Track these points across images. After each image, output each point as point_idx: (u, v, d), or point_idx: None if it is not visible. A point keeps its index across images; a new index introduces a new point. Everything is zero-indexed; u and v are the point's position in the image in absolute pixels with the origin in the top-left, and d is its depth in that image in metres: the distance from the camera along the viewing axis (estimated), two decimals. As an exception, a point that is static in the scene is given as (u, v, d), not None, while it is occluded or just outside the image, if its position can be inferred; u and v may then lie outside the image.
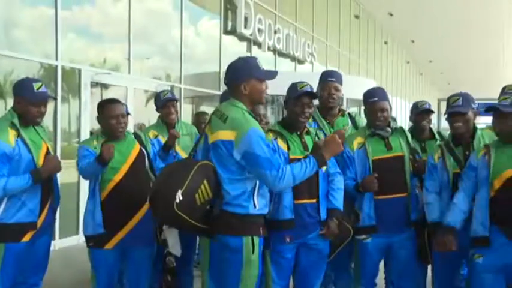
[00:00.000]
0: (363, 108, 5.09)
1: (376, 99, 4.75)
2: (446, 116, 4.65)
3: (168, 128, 5.92)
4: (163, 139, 5.63)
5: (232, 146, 3.68)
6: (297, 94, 4.33)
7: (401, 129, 4.93)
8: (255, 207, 3.75)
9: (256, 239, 3.75)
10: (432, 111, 5.50)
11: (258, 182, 3.78)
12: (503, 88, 4.82)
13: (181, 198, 3.58)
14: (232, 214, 3.73)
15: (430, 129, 5.53)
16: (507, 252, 4.00)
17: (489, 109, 4.13)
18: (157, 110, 6.10)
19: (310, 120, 5.09)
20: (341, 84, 5.36)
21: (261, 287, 4.58)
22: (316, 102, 5.23)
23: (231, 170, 3.72)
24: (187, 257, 5.36)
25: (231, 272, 3.78)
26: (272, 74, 4.04)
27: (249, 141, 3.61)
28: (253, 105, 4.06)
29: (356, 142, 4.78)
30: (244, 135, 3.63)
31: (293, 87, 4.41)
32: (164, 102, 5.99)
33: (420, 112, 5.39)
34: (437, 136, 5.45)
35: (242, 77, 3.86)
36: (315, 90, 4.93)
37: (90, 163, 4.35)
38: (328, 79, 5.32)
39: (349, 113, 5.56)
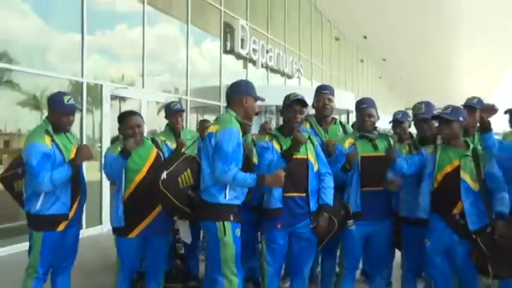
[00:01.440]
0: (344, 116, 5.19)
1: (365, 105, 4.82)
2: (413, 122, 4.82)
3: (174, 135, 5.99)
4: (170, 143, 5.62)
5: (212, 136, 3.95)
6: (289, 102, 4.42)
7: (386, 135, 4.98)
8: (225, 197, 3.89)
9: (227, 224, 3.87)
10: (402, 121, 5.56)
11: None
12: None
13: (165, 177, 3.90)
14: (206, 202, 3.92)
15: (410, 133, 5.59)
16: (446, 236, 4.13)
17: (434, 117, 4.32)
18: (166, 117, 6.16)
19: (308, 127, 5.24)
20: (333, 95, 5.40)
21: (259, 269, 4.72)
22: (312, 111, 5.42)
23: (209, 159, 3.91)
24: (194, 244, 5.45)
25: (213, 251, 3.92)
26: (262, 98, 4.31)
27: (222, 136, 3.88)
28: (246, 117, 4.25)
29: (348, 142, 4.80)
30: (222, 130, 3.91)
31: (287, 97, 4.50)
32: (173, 112, 6.07)
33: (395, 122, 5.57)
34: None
35: (244, 93, 4.21)
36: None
37: (115, 158, 4.38)
38: (323, 92, 5.37)
39: (340, 121, 5.57)
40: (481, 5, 21.76)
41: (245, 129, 4.42)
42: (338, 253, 5.04)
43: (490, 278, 4.15)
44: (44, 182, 4.06)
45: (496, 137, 4.83)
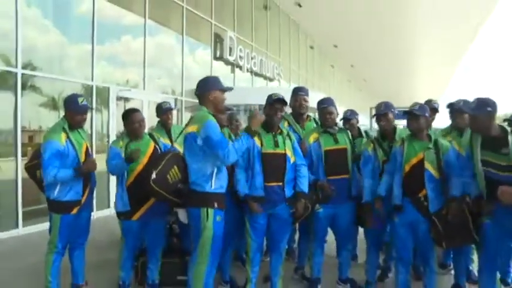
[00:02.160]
0: (317, 113, 5.19)
1: (325, 105, 4.86)
2: (374, 117, 4.85)
3: (165, 131, 5.95)
4: (162, 139, 5.34)
5: (196, 136, 3.78)
6: (271, 100, 4.44)
7: (345, 130, 5.04)
8: (211, 187, 3.81)
9: (210, 211, 3.80)
10: (350, 118, 5.51)
11: (215, 169, 3.86)
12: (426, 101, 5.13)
13: (155, 176, 3.83)
14: (194, 191, 3.83)
15: (358, 128, 5.62)
16: (413, 214, 4.19)
17: (405, 113, 4.31)
18: (157, 116, 6.10)
19: (286, 125, 5.22)
20: (308, 96, 5.38)
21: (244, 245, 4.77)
22: (290, 110, 5.41)
23: (196, 156, 3.82)
24: (189, 225, 5.52)
25: (194, 233, 3.88)
26: (230, 88, 4.16)
27: (206, 129, 3.73)
28: (217, 111, 4.08)
29: (312, 137, 4.83)
30: (203, 125, 3.75)
31: (269, 96, 4.50)
32: (164, 111, 6.03)
33: (344, 120, 5.49)
34: (364, 134, 5.55)
35: (210, 88, 4.01)
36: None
37: (120, 164, 4.41)
38: (299, 93, 5.36)
39: (314, 118, 5.56)
40: (433, 19, 21.92)
41: (220, 123, 4.43)
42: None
43: (443, 248, 4.33)
44: (49, 175, 4.14)
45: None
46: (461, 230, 4.00)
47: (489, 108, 3.78)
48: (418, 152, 4.24)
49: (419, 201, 4.19)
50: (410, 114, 4.29)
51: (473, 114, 3.83)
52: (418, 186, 4.19)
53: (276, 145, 4.40)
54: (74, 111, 4.40)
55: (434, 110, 5.52)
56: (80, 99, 4.41)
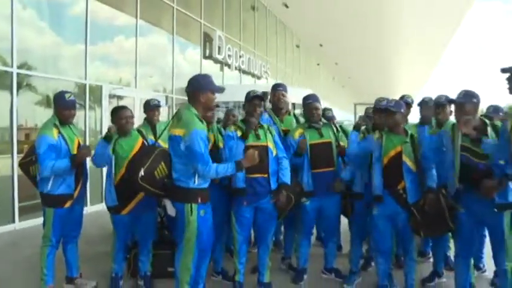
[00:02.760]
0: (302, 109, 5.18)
1: (311, 101, 4.87)
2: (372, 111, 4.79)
3: (151, 127, 5.88)
4: (148, 135, 5.34)
5: (181, 140, 3.67)
6: (250, 97, 4.47)
7: (329, 124, 5.05)
8: (194, 183, 3.73)
9: (194, 206, 3.72)
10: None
11: None
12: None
13: (143, 173, 3.76)
14: (178, 187, 3.76)
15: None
16: (392, 206, 4.21)
17: (382, 110, 4.36)
18: (144, 112, 6.04)
19: (267, 117, 5.24)
20: (286, 91, 5.38)
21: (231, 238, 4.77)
22: (270, 105, 5.44)
23: (180, 156, 3.72)
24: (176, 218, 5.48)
25: (179, 226, 3.83)
26: (222, 90, 3.97)
27: (190, 139, 3.59)
28: (205, 111, 4.01)
29: (297, 133, 4.83)
30: (189, 133, 3.61)
31: (247, 94, 4.53)
32: (151, 108, 5.97)
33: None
34: (339, 129, 5.37)
35: (201, 88, 3.82)
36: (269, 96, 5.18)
37: (100, 143, 4.42)
38: (278, 88, 5.37)
39: (294, 113, 5.56)
40: (413, 20, 22.04)
41: (209, 120, 4.31)
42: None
43: (421, 237, 4.38)
44: (46, 168, 4.12)
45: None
46: (438, 220, 4.04)
47: (474, 99, 3.85)
48: (396, 145, 4.26)
49: (398, 193, 4.21)
50: (387, 111, 4.32)
51: (461, 102, 3.86)
52: (396, 179, 4.21)
53: (258, 138, 4.41)
54: (62, 107, 4.38)
55: (408, 105, 5.54)
56: (67, 95, 4.40)
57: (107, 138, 4.43)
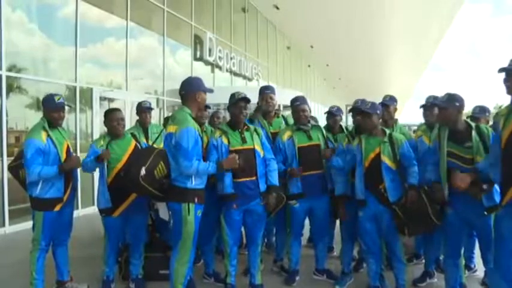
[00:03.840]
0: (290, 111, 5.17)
1: (298, 103, 4.85)
2: (350, 113, 4.88)
3: (143, 129, 5.96)
4: (140, 137, 5.38)
5: (172, 136, 3.78)
6: (235, 100, 4.39)
7: (318, 126, 5.02)
8: (192, 183, 3.81)
9: (191, 205, 3.79)
10: (336, 114, 5.24)
11: None
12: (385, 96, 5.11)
13: (144, 172, 3.77)
14: (176, 187, 3.82)
15: (340, 125, 5.36)
16: (375, 206, 4.26)
17: (359, 112, 4.42)
18: (137, 114, 6.13)
19: (256, 121, 5.20)
20: (274, 94, 5.33)
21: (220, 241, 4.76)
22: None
23: (173, 153, 3.80)
24: (169, 222, 5.47)
25: (175, 228, 3.86)
26: (211, 90, 4.11)
27: (181, 135, 3.71)
28: (199, 110, 4.14)
29: (286, 135, 4.81)
30: (180, 130, 3.73)
31: (232, 96, 4.45)
32: (143, 110, 6.06)
33: (329, 114, 5.26)
34: (345, 130, 5.38)
35: (196, 89, 3.97)
36: (256, 99, 5.17)
37: (91, 160, 4.40)
38: (265, 91, 5.31)
39: (282, 115, 5.53)
40: (404, 22, 22.14)
41: (200, 121, 4.28)
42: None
43: (406, 235, 4.33)
44: (33, 173, 4.09)
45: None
46: (421, 217, 4.04)
47: (457, 103, 3.87)
48: (375, 147, 4.30)
49: (380, 192, 4.25)
50: (363, 113, 4.36)
51: (443, 107, 3.90)
52: (377, 179, 4.25)
53: (244, 141, 4.36)
54: (51, 110, 4.35)
55: (387, 106, 5.46)
56: (56, 98, 4.38)
57: (98, 159, 4.40)
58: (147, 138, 5.76)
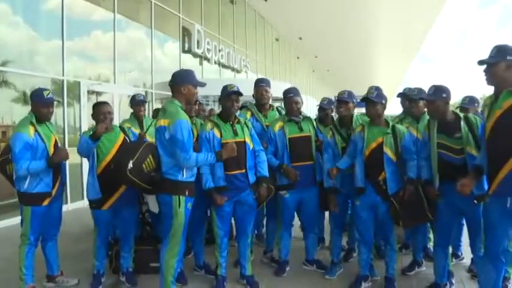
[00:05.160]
0: (282, 103, 5.17)
1: (291, 94, 4.85)
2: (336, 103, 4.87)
3: (138, 122, 6.03)
4: (134, 129, 5.52)
5: (166, 129, 3.76)
6: (227, 93, 4.39)
7: (309, 117, 5.05)
8: (183, 176, 3.83)
9: (182, 198, 3.82)
10: (326, 108, 5.22)
11: None
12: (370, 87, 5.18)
13: (131, 166, 3.76)
14: (166, 180, 3.83)
15: (332, 117, 5.37)
16: (373, 196, 4.30)
17: (362, 99, 4.36)
18: (131, 107, 6.20)
19: (249, 115, 5.23)
20: (269, 87, 5.34)
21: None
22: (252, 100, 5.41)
23: (165, 147, 3.80)
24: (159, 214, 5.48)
25: (166, 220, 3.88)
26: (202, 84, 4.07)
27: (175, 128, 3.70)
28: (188, 103, 4.10)
29: (277, 126, 4.82)
30: (174, 123, 3.71)
31: (224, 88, 4.44)
32: (137, 103, 6.13)
33: (320, 108, 5.28)
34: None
35: (183, 82, 3.93)
36: (251, 91, 5.21)
37: (86, 140, 4.30)
38: (260, 84, 5.31)
39: (277, 108, 5.52)
40: (391, 13, 22.17)
41: (189, 114, 4.27)
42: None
43: (399, 226, 4.38)
44: (21, 168, 4.06)
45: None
46: (417, 210, 4.11)
47: (444, 95, 3.92)
48: (377, 137, 4.30)
49: (378, 184, 4.28)
50: (367, 101, 4.35)
51: (431, 100, 3.95)
52: (377, 170, 4.27)
53: (235, 134, 4.37)
54: (40, 104, 4.32)
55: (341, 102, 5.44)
56: (45, 93, 4.35)
57: (94, 137, 4.32)
58: (141, 130, 5.82)
